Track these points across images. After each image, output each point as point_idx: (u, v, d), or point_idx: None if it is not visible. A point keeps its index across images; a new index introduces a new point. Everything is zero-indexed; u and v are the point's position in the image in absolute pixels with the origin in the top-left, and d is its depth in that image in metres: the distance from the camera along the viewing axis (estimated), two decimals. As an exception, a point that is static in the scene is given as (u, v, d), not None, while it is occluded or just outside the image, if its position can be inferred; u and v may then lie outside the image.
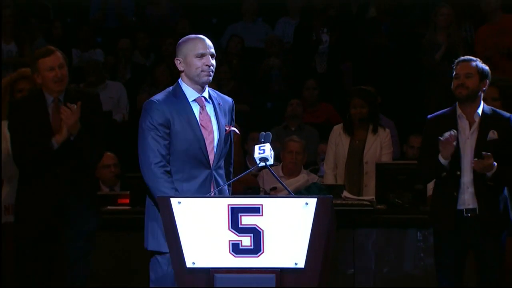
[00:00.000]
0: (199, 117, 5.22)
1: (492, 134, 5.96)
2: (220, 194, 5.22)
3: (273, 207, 4.46)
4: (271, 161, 4.84)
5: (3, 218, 6.65)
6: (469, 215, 5.94)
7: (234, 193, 6.77)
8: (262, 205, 4.46)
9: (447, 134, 5.83)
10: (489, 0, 9.70)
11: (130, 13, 12.17)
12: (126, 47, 11.21)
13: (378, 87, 9.15)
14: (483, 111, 6.03)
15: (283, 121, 9.77)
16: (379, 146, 8.14)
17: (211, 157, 5.20)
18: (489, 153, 5.80)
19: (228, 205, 4.47)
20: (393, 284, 7.36)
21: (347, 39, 10.92)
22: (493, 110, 6.08)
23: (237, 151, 7.46)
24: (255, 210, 4.45)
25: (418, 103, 9.89)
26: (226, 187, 5.34)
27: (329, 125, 8.92)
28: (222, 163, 5.29)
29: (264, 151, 4.82)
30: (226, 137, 5.27)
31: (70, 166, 6.05)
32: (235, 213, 4.46)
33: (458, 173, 5.95)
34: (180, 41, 5.27)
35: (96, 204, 6.37)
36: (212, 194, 5.12)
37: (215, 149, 5.21)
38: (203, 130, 5.19)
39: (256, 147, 4.85)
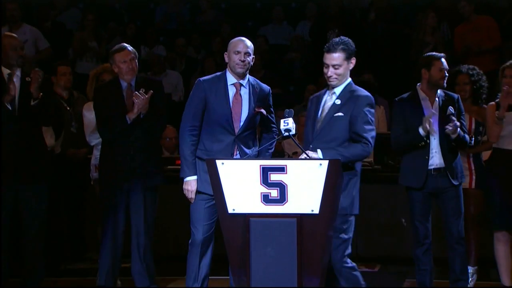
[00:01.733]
0: (233, 97, 5.32)
1: (452, 109, 5.95)
2: (258, 156, 5.36)
3: (294, 167, 4.43)
4: (293, 132, 4.81)
5: (94, 175, 6.71)
6: (435, 173, 5.91)
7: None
8: (286, 165, 4.44)
9: (429, 115, 5.82)
10: (464, 4, 9.65)
11: (185, 18, 12.14)
12: (182, 45, 11.20)
13: (376, 75, 9.11)
14: (439, 93, 6.01)
15: (302, 101, 9.72)
16: (377, 119, 8.10)
17: (237, 127, 5.28)
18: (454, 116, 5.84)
19: (260, 165, 4.45)
20: (386, 225, 7.33)
21: (352, 37, 10.84)
22: (445, 92, 6.07)
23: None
24: (281, 169, 4.43)
25: (407, 87, 9.78)
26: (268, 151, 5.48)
27: (337, 104, 8.86)
28: (248, 133, 5.33)
29: (288, 124, 4.79)
30: (254, 115, 5.32)
31: (140, 136, 6.04)
32: (265, 171, 4.44)
33: (428, 141, 5.91)
34: (230, 41, 5.45)
35: (161, 164, 6.36)
36: (251, 155, 5.27)
37: (241, 122, 5.29)
38: (232, 107, 5.28)
39: (282, 120, 4.82)
